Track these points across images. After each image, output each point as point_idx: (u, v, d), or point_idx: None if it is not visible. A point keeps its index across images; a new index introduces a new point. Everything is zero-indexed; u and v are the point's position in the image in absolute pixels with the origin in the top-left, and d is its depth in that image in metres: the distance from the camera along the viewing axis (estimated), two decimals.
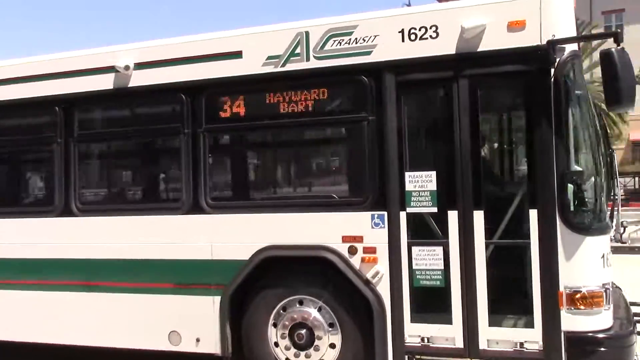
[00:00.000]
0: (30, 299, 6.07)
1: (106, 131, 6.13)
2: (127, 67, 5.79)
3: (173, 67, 5.66)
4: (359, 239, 5.22)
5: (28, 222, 6.07)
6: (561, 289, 4.71)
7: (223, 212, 5.56)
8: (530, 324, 4.85)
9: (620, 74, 4.47)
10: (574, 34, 4.79)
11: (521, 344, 4.89)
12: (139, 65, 5.74)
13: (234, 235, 5.52)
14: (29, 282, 6.07)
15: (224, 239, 5.54)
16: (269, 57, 5.41)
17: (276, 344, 5.45)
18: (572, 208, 4.72)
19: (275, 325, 5.44)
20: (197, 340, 5.64)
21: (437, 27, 5.05)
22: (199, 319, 5.57)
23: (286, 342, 5.43)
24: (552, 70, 4.72)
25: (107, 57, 5.87)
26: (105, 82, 5.86)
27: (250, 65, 5.42)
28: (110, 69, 5.80)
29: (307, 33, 5.34)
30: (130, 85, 5.80)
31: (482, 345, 5.00)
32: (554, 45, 4.71)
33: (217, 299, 5.49)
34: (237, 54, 5.51)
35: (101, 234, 5.83)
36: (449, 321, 5.00)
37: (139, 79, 5.76)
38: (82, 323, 5.93)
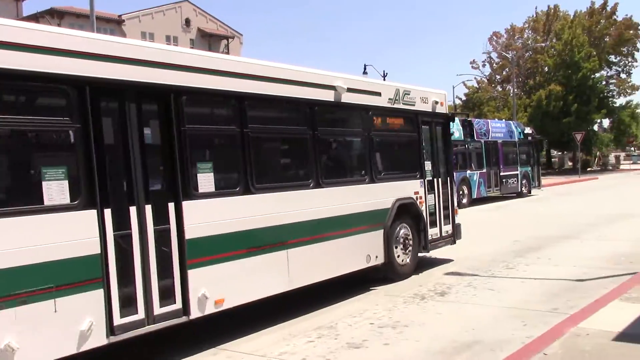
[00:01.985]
0: (270, 260, 8.04)
1: (335, 129, 10.22)
2: (342, 89, 9.66)
3: (359, 94, 10.22)
4: (418, 193, 11.48)
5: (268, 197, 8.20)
6: None
7: (381, 181, 10.53)
8: None
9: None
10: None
11: None
12: (349, 90, 9.86)
13: (385, 195, 10.67)
14: (270, 246, 8.15)
15: (382, 196, 10.60)
16: (390, 99, 11.08)
17: (395, 247, 10.78)
18: None
19: (396, 239, 10.90)
20: (376, 257, 10.31)
21: (427, 98, 12.15)
22: (376, 244, 10.31)
23: (400, 246, 10.98)
24: (450, 122, 12.46)
25: (331, 79, 9.62)
26: (317, 95, 9.28)
27: (383, 101, 10.91)
28: (332, 87, 9.53)
29: (398, 89, 11.35)
30: (342, 101, 9.80)
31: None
32: (451, 114, 12.48)
33: (382, 231, 10.42)
34: (379, 94, 10.80)
35: (334, 199, 9.37)
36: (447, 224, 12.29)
37: (346, 97, 9.83)
38: (313, 266, 8.82)
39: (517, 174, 29.48)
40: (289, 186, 8.58)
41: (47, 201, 5.73)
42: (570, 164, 62.71)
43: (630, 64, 67.65)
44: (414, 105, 11.48)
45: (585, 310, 7.75)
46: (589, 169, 61.02)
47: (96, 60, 6.21)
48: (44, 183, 5.73)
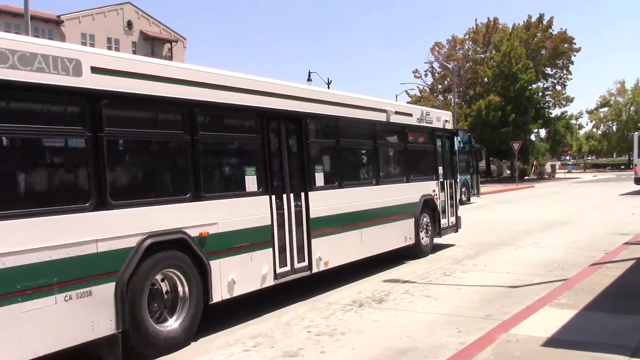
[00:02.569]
0: (352, 236, 11.42)
1: (387, 142, 13.54)
2: (390, 112, 13.11)
3: (400, 116, 13.58)
4: (434, 191, 14.48)
5: (347, 192, 11.35)
6: None
7: (412, 182, 13.80)
8: None
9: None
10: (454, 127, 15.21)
11: None
12: (392, 113, 13.18)
13: (415, 192, 13.90)
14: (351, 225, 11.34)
15: (413, 193, 13.82)
16: (418, 118, 14.18)
17: (421, 232, 14.15)
18: None
19: (422, 225, 14.20)
20: (410, 238, 13.50)
21: (440, 117, 15.42)
22: (410, 228, 13.56)
23: (424, 231, 14.35)
24: (455, 136, 16.37)
25: (383, 105, 13.08)
26: (376, 116, 12.71)
27: (414, 120, 14.06)
28: (384, 110, 12.86)
29: (422, 111, 14.66)
30: (390, 120, 13.10)
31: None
32: (456, 130, 17.22)
33: (413, 219, 13.71)
34: (411, 115, 14.01)
35: (386, 194, 12.71)
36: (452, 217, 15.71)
37: (393, 118, 13.14)
38: (375, 241, 12.11)
39: None
40: (362, 183, 11.96)
41: (248, 189, 8.90)
42: (508, 172, 64.46)
43: (565, 76, 70.09)
44: (432, 123, 14.89)
45: (516, 316, 7.94)
46: (526, 177, 62.88)
47: (268, 96, 9.54)
48: (246, 177, 8.91)
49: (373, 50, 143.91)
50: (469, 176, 31.14)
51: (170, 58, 75.42)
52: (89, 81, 6.65)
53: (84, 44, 65.56)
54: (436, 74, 68.96)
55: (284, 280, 9.45)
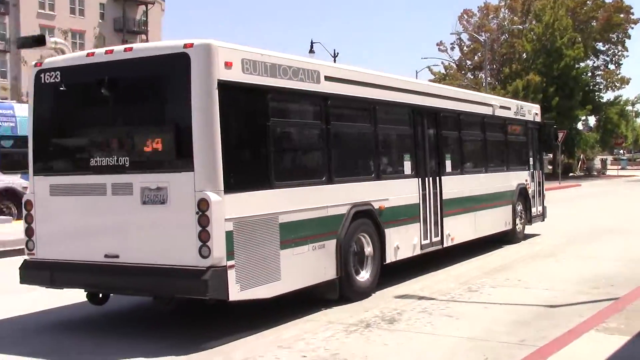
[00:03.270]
0: (470, 217, 15.10)
1: (492, 134, 16.96)
2: (495, 106, 16.79)
3: (502, 109, 17.44)
4: (527, 180, 18.65)
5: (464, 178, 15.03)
6: None
7: (511, 171, 17.68)
8: None
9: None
10: None
11: None
12: (497, 107, 17.11)
13: (513, 180, 17.77)
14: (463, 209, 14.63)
15: (512, 181, 17.69)
16: (515, 111, 18.47)
17: (517, 218, 18.09)
18: None
19: (518, 212, 18.12)
20: (508, 223, 17.31)
21: (530, 110, 19.84)
22: (508, 214, 17.40)
23: (518, 218, 18.31)
24: (542, 128, 20.79)
25: (489, 99, 17.28)
26: (485, 110, 16.43)
27: (512, 113, 18.23)
28: (490, 105, 16.83)
29: (517, 104, 19.10)
30: (495, 114, 16.85)
31: None
32: (544, 122, 21.01)
33: (511, 206, 17.56)
34: (509, 108, 18.07)
35: (493, 181, 16.54)
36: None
37: (497, 112, 17.05)
38: (485, 224, 15.93)
39: None
40: (476, 171, 15.62)
41: (405, 172, 12.74)
42: (549, 167, 64.29)
43: (620, 53, 69.22)
44: (524, 115, 18.51)
45: (555, 342, 7.92)
46: (571, 174, 62.84)
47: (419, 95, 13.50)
48: (404, 162, 12.71)
49: (390, 19, 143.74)
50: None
51: (146, 22, 75.31)
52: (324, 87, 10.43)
53: (41, 4, 65.50)
54: (465, 48, 68.72)
55: (426, 251, 13.05)
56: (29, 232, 9.50)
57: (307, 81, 10.03)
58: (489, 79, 56.18)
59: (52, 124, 9.60)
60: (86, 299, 10.15)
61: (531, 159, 18.98)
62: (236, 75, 8.57)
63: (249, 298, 8.69)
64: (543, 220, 19.77)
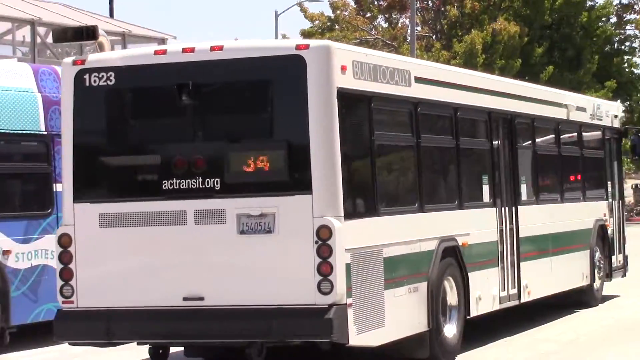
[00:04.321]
0: (546, 264, 12.04)
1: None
2: (571, 107, 13.37)
3: (576, 111, 13.51)
4: (605, 215, 14.30)
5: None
6: None
7: (590, 200, 13.97)
8: None
9: None
10: None
11: None
12: (572, 108, 13.42)
13: (588, 215, 13.65)
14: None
15: (589, 216, 13.64)
16: (591, 114, 14.19)
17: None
18: None
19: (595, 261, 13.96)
20: (586, 276, 13.29)
21: (607, 111, 14.91)
22: (585, 263, 13.30)
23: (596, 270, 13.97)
24: (623, 137, 16.53)
25: (559, 97, 13.75)
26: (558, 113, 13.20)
27: (587, 116, 14.05)
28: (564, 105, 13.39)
29: (594, 103, 14.97)
30: (570, 118, 13.40)
31: None
32: (625, 129, 16.82)
33: (589, 250, 13.57)
34: (584, 110, 14.00)
35: (550, 216, 12.36)
36: None
37: (572, 115, 13.40)
38: (563, 274, 12.59)
39: None
40: (550, 199, 12.87)
41: (484, 200, 10.59)
42: None
43: None
44: (602, 119, 14.94)
45: None
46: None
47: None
48: (483, 187, 10.58)
49: None
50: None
51: None
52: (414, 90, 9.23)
53: None
54: None
55: (504, 306, 10.87)
56: (66, 274, 8.03)
57: (401, 84, 8.99)
58: (419, 28, 38.47)
59: (102, 137, 8.41)
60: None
61: (609, 184, 15.16)
62: (349, 81, 7.95)
63: (361, 344, 7.97)
64: (624, 274, 15.37)
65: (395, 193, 9.18)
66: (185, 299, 7.66)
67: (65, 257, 7.97)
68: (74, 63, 8.13)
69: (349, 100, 7.83)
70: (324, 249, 7.32)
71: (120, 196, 8.11)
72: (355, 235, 7.69)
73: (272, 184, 7.67)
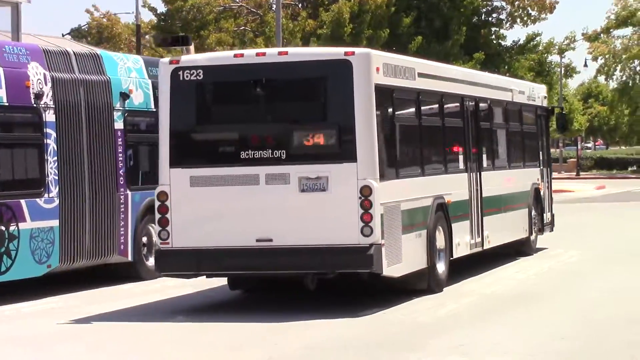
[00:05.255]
0: (498, 219, 14.72)
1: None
2: (514, 91, 16.26)
3: (518, 94, 16.58)
4: (538, 179, 17.35)
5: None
6: None
7: (528, 167, 16.80)
8: None
9: None
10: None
11: None
12: (515, 92, 16.41)
13: (527, 180, 16.50)
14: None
15: (527, 181, 16.52)
16: (528, 96, 17.19)
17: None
18: None
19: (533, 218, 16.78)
20: (525, 230, 16.04)
21: (538, 93, 18.03)
22: (525, 219, 16.04)
23: (534, 226, 16.90)
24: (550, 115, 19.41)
25: (506, 82, 17.13)
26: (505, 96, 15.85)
27: (525, 97, 16.92)
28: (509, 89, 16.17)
29: (530, 86, 18.60)
30: (513, 100, 16.16)
31: None
32: (551, 107, 20.05)
33: (527, 209, 16.40)
34: (524, 92, 16.95)
35: (500, 180, 15.01)
36: None
37: (516, 97, 16.26)
38: (510, 228, 15.42)
39: None
40: (502, 166, 15.43)
41: (460, 167, 13.33)
42: None
43: None
44: (535, 100, 17.76)
45: None
46: None
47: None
48: (459, 156, 13.34)
49: None
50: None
51: None
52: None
53: None
54: None
55: (473, 251, 13.66)
56: (163, 222, 10.61)
57: (407, 78, 11.67)
58: None
59: (193, 119, 11.06)
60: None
61: (541, 154, 18.15)
62: (381, 78, 10.71)
63: (389, 275, 10.66)
64: (552, 229, 18.46)
65: (407, 161, 11.91)
66: (257, 240, 10.30)
67: (162, 209, 10.53)
68: (171, 62, 10.73)
69: (381, 93, 10.56)
70: (366, 203, 10.00)
71: (208, 163, 10.73)
72: (386, 193, 10.35)
73: (326, 154, 10.42)
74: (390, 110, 11.20)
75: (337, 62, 10.29)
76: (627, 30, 56.10)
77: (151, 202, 12.17)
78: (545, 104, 18.65)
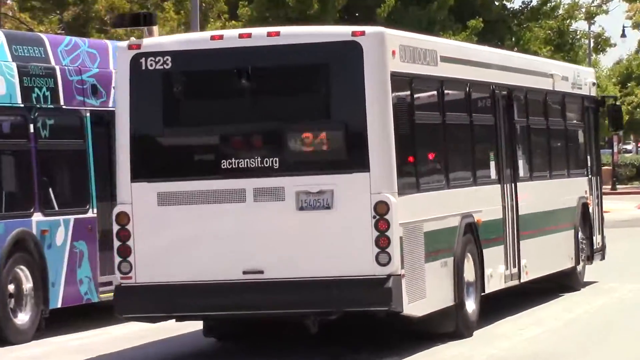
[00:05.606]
0: (539, 244, 11.94)
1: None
2: (556, 77, 13.07)
3: (561, 81, 13.36)
4: (586, 192, 13.96)
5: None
6: None
7: (574, 176, 13.60)
8: None
9: None
10: None
11: None
12: (558, 78, 13.15)
13: (573, 192, 13.36)
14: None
15: (573, 194, 13.35)
16: (572, 83, 13.77)
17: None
18: None
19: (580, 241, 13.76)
20: (571, 258, 12.93)
21: (585, 79, 14.36)
22: (570, 243, 12.95)
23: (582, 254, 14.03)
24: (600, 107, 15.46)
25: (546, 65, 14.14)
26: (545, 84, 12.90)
27: (569, 85, 13.66)
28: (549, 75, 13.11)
29: (575, 70, 14.81)
30: (555, 89, 13.11)
31: None
32: (602, 98, 16.11)
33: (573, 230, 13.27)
34: (567, 79, 13.70)
35: (542, 193, 12.31)
36: None
37: (558, 86, 13.13)
38: (553, 255, 12.57)
39: None
40: (541, 176, 12.58)
41: (492, 176, 10.93)
42: None
43: None
44: (581, 88, 14.48)
45: None
46: None
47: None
48: (490, 163, 10.91)
49: None
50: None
51: None
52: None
53: None
54: None
55: (508, 285, 11.11)
56: (124, 251, 8.45)
57: (429, 64, 9.48)
58: None
59: (160, 119, 8.79)
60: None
61: (589, 159, 14.67)
62: (398, 64, 8.57)
63: (410, 314, 8.51)
64: (603, 257, 14.88)
65: (430, 170, 9.67)
66: (245, 272, 8.13)
67: (122, 235, 8.36)
68: (130, 47, 8.52)
69: (398, 83, 8.45)
70: (381, 223, 7.89)
71: (179, 176, 8.48)
72: (405, 210, 8.24)
73: (330, 162, 8.28)
74: (409, 105, 9.01)
75: (342, 45, 8.14)
76: None
77: (20, 234, 9.91)
78: (594, 92, 15.14)
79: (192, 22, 21.45)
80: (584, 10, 38.70)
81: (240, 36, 8.63)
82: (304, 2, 28.38)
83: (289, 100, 8.60)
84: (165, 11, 28.94)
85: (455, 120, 10.23)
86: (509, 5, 35.93)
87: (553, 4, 35.55)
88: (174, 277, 8.32)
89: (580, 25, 41.28)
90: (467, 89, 10.49)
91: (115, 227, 8.43)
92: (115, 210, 8.51)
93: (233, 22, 30.33)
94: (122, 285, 8.44)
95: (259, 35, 8.57)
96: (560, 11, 36.36)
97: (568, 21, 37.86)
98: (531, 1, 35.90)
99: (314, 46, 8.36)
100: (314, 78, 8.58)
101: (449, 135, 9.99)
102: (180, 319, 8.90)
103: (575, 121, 14.22)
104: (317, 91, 8.62)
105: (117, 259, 8.44)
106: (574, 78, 14.09)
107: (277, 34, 8.47)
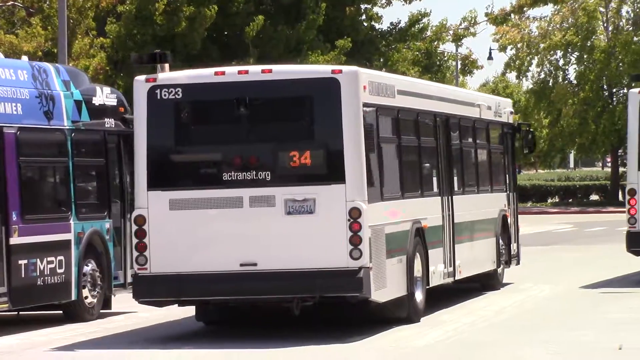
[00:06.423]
0: (469, 248, 14.18)
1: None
2: (482, 106, 15.46)
3: (485, 110, 15.79)
4: (505, 205, 16.36)
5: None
6: None
7: (496, 191, 15.94)
8: None
9: None
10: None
11: None
12: (484, 107, 15.56)
13: (495, 205, 15.67)
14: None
15: (495, 207, 15.61)
16: (495, 111, 16.18)
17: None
18: None
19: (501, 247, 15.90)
20: (493, 262, 15.24)
21: (504, 108, 16.84)
22: (492, 249, 15.19)
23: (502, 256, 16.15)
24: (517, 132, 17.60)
25: (474, 97, 16.73)
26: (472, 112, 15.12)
27: (492, 114, 15.98)
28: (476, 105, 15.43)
29: (497, 101, 17.15)
30: (481, 117, 15.44)
31: None
32: (517, 125, 18.44)
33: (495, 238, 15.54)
34: (490, 108, 15.96)
35: (470, 206, 14.29)
36: None
37: (483, 114, 15.48)
38: (478, 259, 14.65)
39: None
40: (471, 190, 14.76)
41: (434, 189, 12.96)
42: None
43: None
44: (501, 116, 16.83)
45: None
46: None
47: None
48: (433, 178, 12.96)
49: None
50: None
51: None
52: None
53: None
54: None
55: (445, 281, 13.22)
56: (141, 247, 10.38)
57: (389, 96, 11.53)
58: None
59: (172, 139, 10.75)
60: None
61: (507, 177, 17.19)
62: (367, 97, 10.61)
63: (376, 299, 10.49)
64: (518, 262, 17.28)
65: (390, 183, 11.46)
66: (241, 264, 10.07)
67: (140, 234, 10.33)
68: (147, 80, 10.50)
69: (368, 112, 10.46)
70: (355, 225, 9.87)
71: (187, 186, 10.48)
72: (373, 215, 10.19)
73: (313, 175, 10.23)
74: (375, 129, 11.02)
75: (324, 81, 10.20)
76: (547, 9, 44.55)
77: (93, 232, 12.18)
78: (511, 120, 17.65)
79: (59, 38, 21.87)
80: (451, 32, 39.80)
81: (239, 72, 10.68)
82: (171, 20, 28.88)
83: (279, 125, 10.59)
84: (33, 27, 29.28)
85: (407, 142, 12.30)
86: (377, 26, 36.85)
87: (421, 25, 36.86)
88: (182, 268, 10.18)
89: (447, 47, 43.25)
90: (417, 117, 12.64)
91: (134, 227, 10.40)
92: (134, 214, 10.48)
93: (101, 38, 30.71)
94: (139, 274, 10.36)
95: (255, 71, 10.71)
96: (429, 33, 38.02)
97: (436, 43, 39.50)
98: (399, 22, 37.03)
99: (300, 81, 10.48)
100: (300, 107, 10.61)
101: (404, 154, 12.08)
102: (184, 303, 10.69)
103: (496, 144, 16.62)
104: (302, 117, 10.62)
105: (135, 253, 10.39)
106: (495, 107, 16.51)
107: (270, 71, 10.54)
